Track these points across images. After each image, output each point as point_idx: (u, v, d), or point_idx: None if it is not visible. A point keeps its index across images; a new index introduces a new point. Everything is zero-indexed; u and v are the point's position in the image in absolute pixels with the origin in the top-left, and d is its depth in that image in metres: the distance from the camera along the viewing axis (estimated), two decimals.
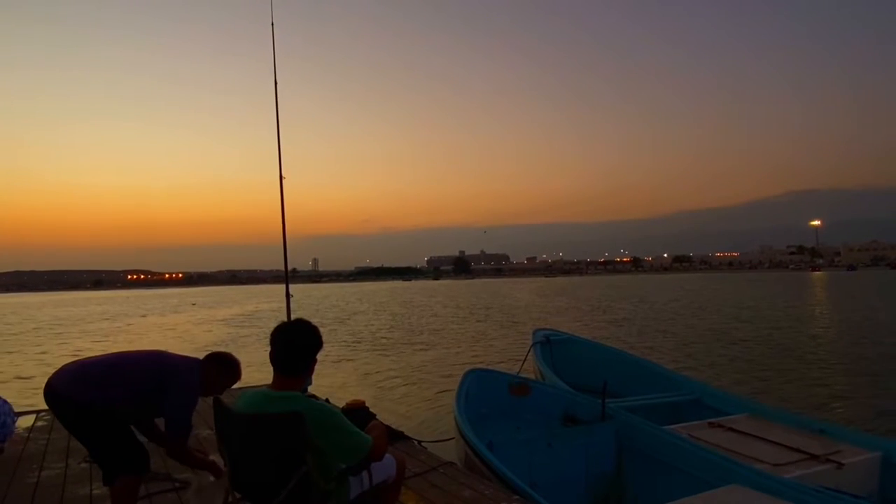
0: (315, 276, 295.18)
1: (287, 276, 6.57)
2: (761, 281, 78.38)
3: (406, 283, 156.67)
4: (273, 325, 2.35)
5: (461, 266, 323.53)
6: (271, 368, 2.26)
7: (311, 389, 5.68)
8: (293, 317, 3.23)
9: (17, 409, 5.15)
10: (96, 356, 2.88)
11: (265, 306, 44.80)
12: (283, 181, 6.19)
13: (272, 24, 6.40)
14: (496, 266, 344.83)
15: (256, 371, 9.21)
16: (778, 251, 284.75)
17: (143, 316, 39.63)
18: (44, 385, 2.71)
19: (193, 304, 54.62)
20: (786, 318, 22.74)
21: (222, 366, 2.95)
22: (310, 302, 49.01)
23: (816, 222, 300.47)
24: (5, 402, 4.72)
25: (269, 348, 2.27)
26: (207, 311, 42.60)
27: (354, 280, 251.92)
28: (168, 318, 37.45)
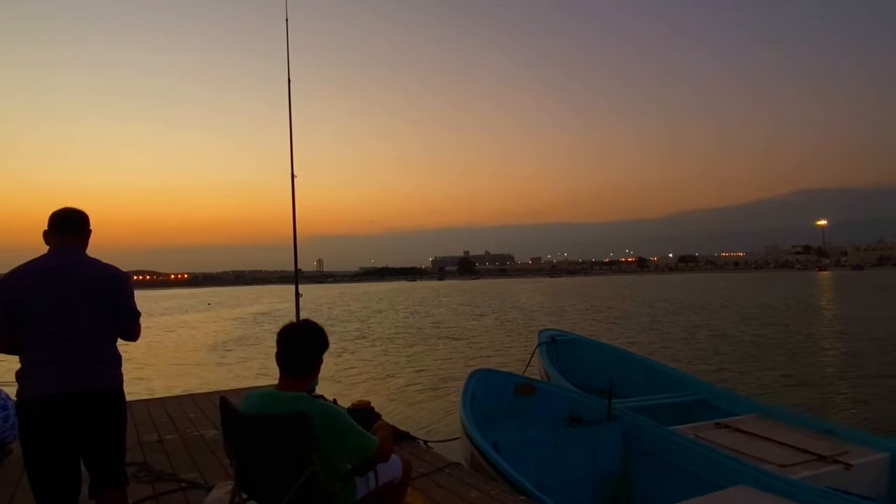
0: (320, 277, 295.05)
1: (297, 276, 6.53)
2: (764, 281, 78.28)
3: (411, 284, 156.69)
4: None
5: (466, 266, 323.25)
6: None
7: (317, 390, 5.67)
8: (304, 316, 3.22)
9: None
10: (52, 346, 2.36)
11: (282, 305, 44.81)
12: (293, 180, 6.15)
13: (286, 21, 6.35)
14: (501, 266, 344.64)
15: None
16: (784, 251, 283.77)
17: (163, 315, 39.88)
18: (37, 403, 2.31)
19: (209, 305, 54.55)
20: (770, 315, 23.26)
21: (63, 224, 2.55)
22: (324, 302, 49.00)
23: (823, 222, 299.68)
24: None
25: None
26: (227, 311, 43.09)
27: (359, 281, 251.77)
28: (191, 315, 38.34)
